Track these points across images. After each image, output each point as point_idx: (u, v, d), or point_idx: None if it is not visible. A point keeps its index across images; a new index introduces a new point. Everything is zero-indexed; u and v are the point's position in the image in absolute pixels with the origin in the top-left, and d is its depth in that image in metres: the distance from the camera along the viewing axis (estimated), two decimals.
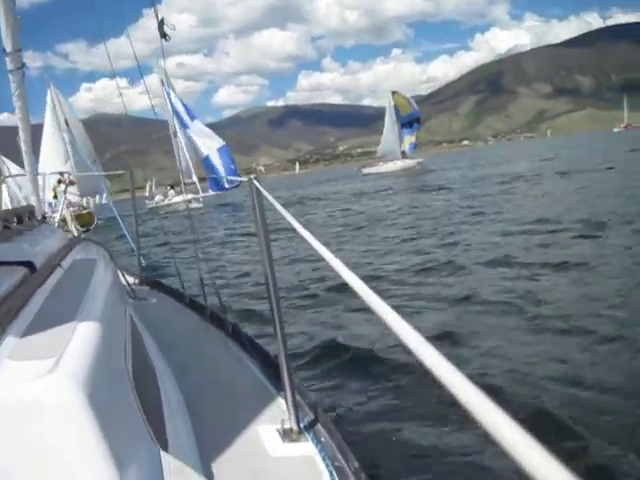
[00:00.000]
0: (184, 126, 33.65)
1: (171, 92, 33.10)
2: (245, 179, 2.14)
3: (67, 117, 33.38)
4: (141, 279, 5.04)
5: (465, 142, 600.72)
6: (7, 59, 4.42)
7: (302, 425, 2.09)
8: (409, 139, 65.10)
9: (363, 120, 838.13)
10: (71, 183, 8.90)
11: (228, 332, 3.25)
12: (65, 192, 7.55)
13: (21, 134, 4.83)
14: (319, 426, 2.10)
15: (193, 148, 32.98)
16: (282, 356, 2.09)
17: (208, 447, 1.90)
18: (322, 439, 2.01)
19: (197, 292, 4.36)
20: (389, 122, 67.05)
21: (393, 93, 66.63)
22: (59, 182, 8.16)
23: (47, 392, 1.03)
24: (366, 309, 0.73)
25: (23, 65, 4.50)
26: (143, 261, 5.47)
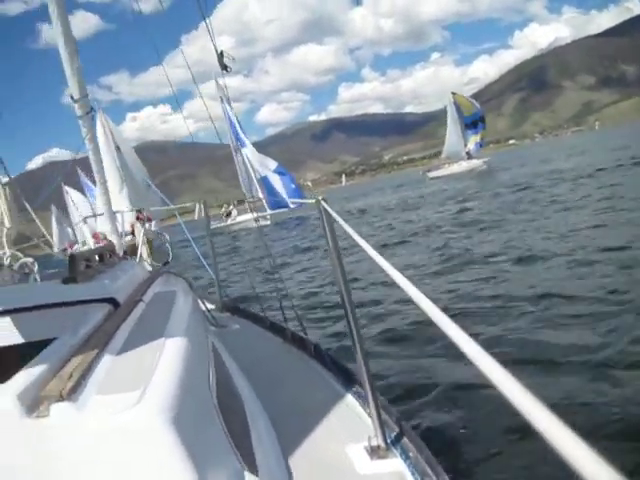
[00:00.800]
0: (241, 144, 32.53)
1: (228, 109, 32.60)
2: (312, 201, 2.14)
3: (118, 143, 32.88)
4: (222, 306, 5.11)
5: (511, 141, 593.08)
6: (76, 106, 4.48)
7: (389, 441, 2.04)
8: (474, 139, 63.04)
9: (406, 127, 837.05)
10: (149, 220, 8.66)
11: (310, 352, 3.23)
12: (143, 228, 7.44)
13: (96, 176, 4.90)
14: (406, 441, 2.05)
15: (251, 167, 31.57)
16: (364, 373, 2.05)
17: (296, 468, 1.90)
18: (410, 454, 1.97)
19: (277, 314, 4.40)
20: (451, 123, 65.30)
21: (453, 94, 64.92)
22: (138, 218, 8.09)
23: (135, 423, 1.06)
24: (450, 343, 0.69)
25: (92, 109, 4.59)
26: (223, 288, 5.56)
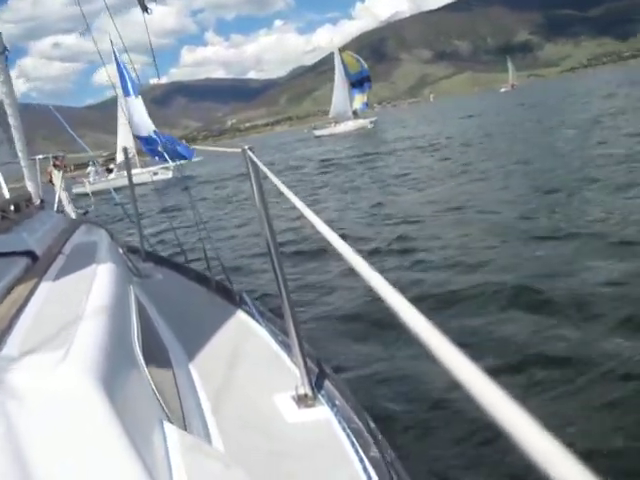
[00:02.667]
0: (127, 94, 31.44)
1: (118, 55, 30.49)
2: (238, 150, 2.13)
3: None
4: (145, 256, 4.93)
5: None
6: None
7: (316, 390, 2.11)
8: (360, 98, 64.11)
9: (249, 94, 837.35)
10: (65, 167, 8.80)
11: (235, 302, 3.27)
12: (62, 175, 7.42)
13: (10, 120, 4.74)
14: (333, 390, 2.13)
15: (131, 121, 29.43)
16: (291, 322, 2.12)
17: (224, 419, 1.95)
18: (337, 402, 2.05)
19: (202, 265, 4.34)
20: (339, 82, 65.62)
21: (340, 51, 65.87)
22: (55, 166, 8.07)
23: (60, 382, 1.05)
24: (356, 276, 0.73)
25: (5, 49, 4.49)
26: (145, 238, 5.32)
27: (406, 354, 4.25)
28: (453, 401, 3.47)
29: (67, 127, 7.51)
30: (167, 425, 1.32)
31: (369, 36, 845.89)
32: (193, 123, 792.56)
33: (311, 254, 8.11)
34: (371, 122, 59.07)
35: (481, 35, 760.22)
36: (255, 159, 2.02)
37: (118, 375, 1.20)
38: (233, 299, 3.34)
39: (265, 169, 1.92)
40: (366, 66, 66.16)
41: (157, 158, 23.12)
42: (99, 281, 1.73)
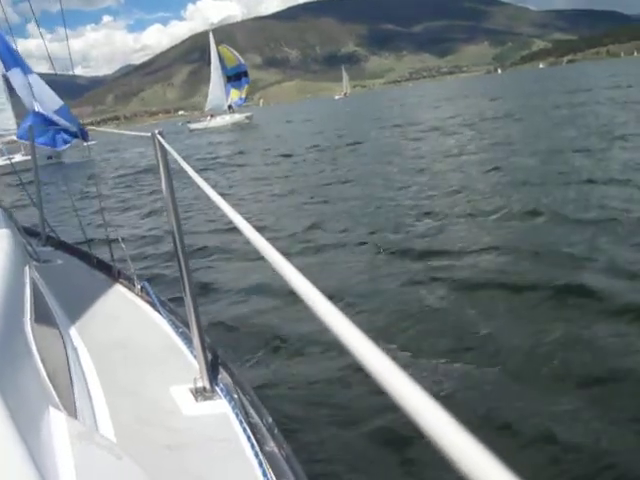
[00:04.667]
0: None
1: None
2: (148, 134, 2.10)
3: None
4: (45, 240, 4.82)
5: (181, 112, 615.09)
6: None
7: (215, 383, 2.15)
8: (236, 93, 62.75)
9: (76, 91, 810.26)
10: None
11: (137, 292, 3.26)
12: None
13: None
14: (232, 384, 2.17)
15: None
16: (192, 314, 2.14)
17: (119, 409, 1.93)
18: (235, 396, 2.08)
19: (105, 253, 4.24)
20: (215, 75, 64.10)
21: (217, 45, 64.81)
22: None
23: None
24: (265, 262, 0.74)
25: None
26: (46, 221, 5.04)
27: (308, 352, 4.39)
28: (354, 399, 3.60)
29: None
30: (55, 412, 1.30)
31: (200, 38, 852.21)
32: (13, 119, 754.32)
33: (218, 246, 8.04)
34: (247, 117, 59.35)
35: (310, 44, 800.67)
36: (165, 144, 2.01)
37: (5, 358, 1.21)
38: (135, 288, 3.31)
39: (176, 155, 1.87)
40: (243, 61, 64.99)
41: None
42: None
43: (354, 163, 15.40)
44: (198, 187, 1.33)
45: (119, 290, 3.45)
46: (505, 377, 3.70)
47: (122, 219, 11.86)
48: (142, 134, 2.34)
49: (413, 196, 9.75)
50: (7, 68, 21.23)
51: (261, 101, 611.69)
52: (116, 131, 4.99)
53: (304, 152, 20.36)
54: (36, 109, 16.89)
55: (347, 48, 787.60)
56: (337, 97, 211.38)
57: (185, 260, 2.15)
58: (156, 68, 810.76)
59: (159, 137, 2.04)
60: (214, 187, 1.23)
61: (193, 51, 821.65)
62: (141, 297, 3.23)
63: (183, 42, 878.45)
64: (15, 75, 19.62)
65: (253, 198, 12.29)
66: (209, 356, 2.19)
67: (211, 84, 65.16)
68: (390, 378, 0.39)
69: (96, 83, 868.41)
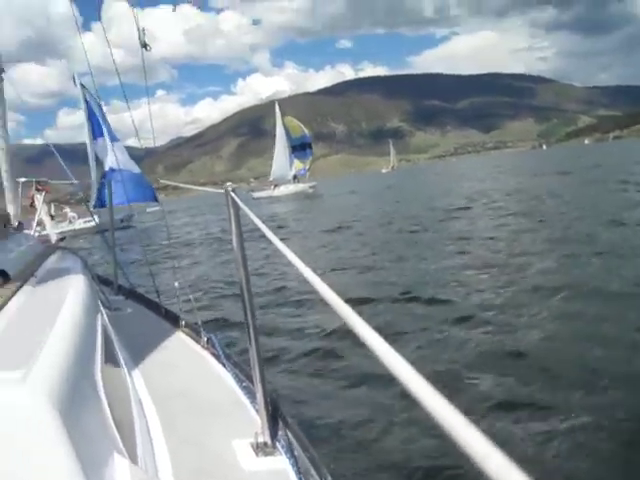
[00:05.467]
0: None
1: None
2: (221, 191, 2.17)
3: None
4: (117, 289, 5.16)
5: (228, 184, 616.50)
6: None
7: (276, 439, 2.16)
8: (299, 164, 65.05)
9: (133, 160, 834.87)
10: (48, 192, 9.68)
11: (203, 344, 3.37)
12: (42, 199, 7.42)
13: (0, 141, 4.99)
14: (293, 440, 2.17)
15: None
16: (256, 369, 2.15)
17: (180, 460, 1.99)
18: (295, 453, 2.09)
19: (173, 303, 4.44)
20: (280, 146, 66.89)
21: (283, 116, 67.43)
22: (37, 190, 8.10)
23: (17, 402, 1.07)
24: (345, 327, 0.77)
25: (2, 70, 4.63)
26: (120, 271, 5.48)
27: (372, 410, 4.41)
28: (414, 457, 3.62)
29: (59, 159, 7.30)
30: (119, 457, 1.35)
31: (249, 112, 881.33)
32: (66, 187, 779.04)
33: (285, 300, 8.28)
34: (311, 187, 59.85)
35: (356, 119, 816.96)
36: (237, 200, 2.05)
37: (76, 402, 1.24)
38: (201, 340, 3.41)
39: (248, 210, 1.91)
40: (308, 133, 67.22)
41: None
42: (67, 307, 1.74)
43: (421, 236, 15.18)
44: (270, 242, 1.40)
45: (185, 341, 3.57)
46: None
47: (192, 272, 12.43)
48: (215, 190, 2.42)
49: (464, 265, 10.05)
50: (95, 136, 25.84)
51: (307, 174, 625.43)
52: (191, 186, 5.32)
53: (372, 223, 20.38)
54: (121, 167, 18.19)
55: (392, 123, 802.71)
56: (384, 171, 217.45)
57: (252, 315, 2.17)
58: (205, 140, 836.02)
59: (232, 194, 2.10)
60: (284, 242, 1.28)
61: (242, 125, 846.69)
62: (206, 349, 3.33)
63: (232, 116, 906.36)
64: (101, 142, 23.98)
65: (326, 267, 11.74)
66: (271, 411, 2.21)
67: (275, 153, 68.59)
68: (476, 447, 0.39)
69: (150, 154, 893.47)
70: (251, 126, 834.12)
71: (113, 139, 16.05)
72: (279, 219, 27.78)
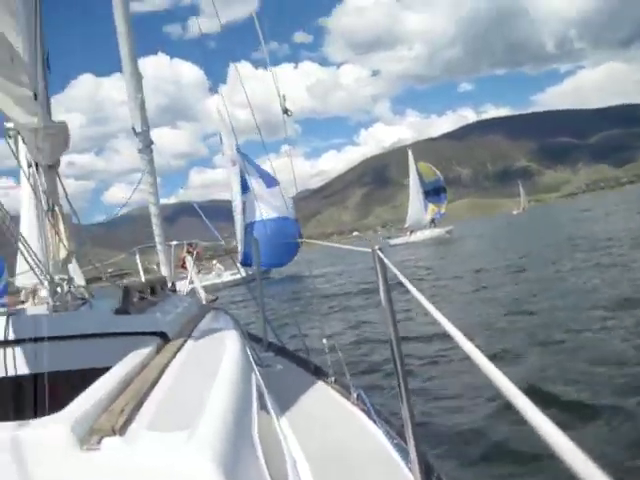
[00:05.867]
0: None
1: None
2: (368, 250, 2.20)
3: None
4: (266, 345, 5.29)
5: (355, 233, 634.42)
6: (138, 139, 5.19)
7: None
8: (433, 208, 64.23)
9: None
10: (198, 254, 9.20)
11: (353, 400, 3.37)
12: (194, 261, 7.89)
13: (151, 208, 5.50)
14: None
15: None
16: (409, 426, 2.09)
17: None
18: None
19: (322, 359, 4.45)
20: (414, 191, 66.55)
21: (416, 161, 66.67)
22: (188, 252, 8.53)
23: (183, 463, 1.13)
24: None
25: (152, 143, 5.20)
26: (269, 328, 5.62)
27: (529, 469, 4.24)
28: None
29: (204, 218, 7.62)
30: None
31: (373, 161, 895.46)
32: (200, 242, 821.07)
33: (435, 356, 8.10)
34: (447, 231, 59.07)
35: (481, 162, 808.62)
36: (385, 259, 2.06)
37: (238, 462, 1.29)
38: (350, 396, 3.42)
39: (395, 270, 1.91)
40: (441, 177, 66.60)
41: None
42: (224, 368, 1.83)
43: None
44: (415, 298, 1.40)
45: (335, 397, 3.59)
46: None
47: (340, 328, 12.15)
48: (361, 249, 2.52)
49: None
50: (243, 191, 23.54)
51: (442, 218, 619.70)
52: (335, 245, 5.02)
53: (521, 265, 19.56)
54: (264, 217, 18.13)
55: (519, 164, 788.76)
56: (515, 212, 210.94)
57: (402, 371, 2.14)
58: (331, 191, 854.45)
59: (379, 252, 2.12)
60: (430, 299, 1.29)
61: (366, 174, 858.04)
62: (356, 405, 3.32)
63: (356, 166, 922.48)
64: (248, 196, 21.43)
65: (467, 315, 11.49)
66: (425, 470, 2.16)
67: (410, 200, 67.49)
68: None
69: None
70: (375, 175, 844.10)
71: (270, 184, 17.49)
72: (421, 266, 27.31)
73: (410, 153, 67.50)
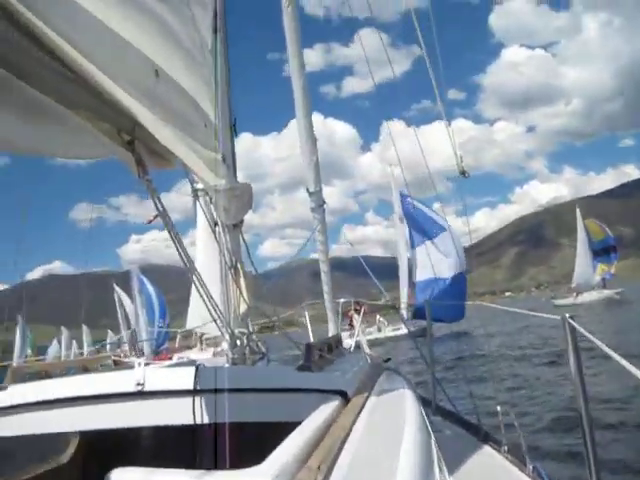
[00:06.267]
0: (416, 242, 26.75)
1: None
2: (558, 317, 2.15)
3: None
4: (434, 408, 5.04)
5: (507, 293, 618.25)
6: (310, 198, 5.30)
7: None
8: (603, 268, 61.18)
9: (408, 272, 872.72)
10: (365, 312, 9.06)
11: (528, 473, 3.21)
12: (360, 318, 7.70)
13: (322, 265, 5.64)
14: None
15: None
16: None
17: None
18: None
19: (494, 424, 4.23)
20: (582, 250, 63.62)
21: (584, 219, 64.29)
22: (355, 310, 8.52)
23: None
24: None
25: (324, 203, 5.29)
26: (439, 390, 5.38)
27: None
28: None
29: (371, 275, 7.62)
30: None
31: (527, 220, 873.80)
32: (347, 298, 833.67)
33: (626, 423, 7.43)
34: (617, 293, 54.69)
35: None
36: (578, 327, 2.01)
37: None
38: (525, 468, 3.25)
39: (595, 339, 1.83)
40: (612, 235, 64.23)
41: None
42: (408, 433, 1.80)
43: None
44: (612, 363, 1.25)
45: (508, 468, 3.39)
46: None
47: (516, 393, 11.32)
48: (551, 316, 2.43)
49: None
50: (413, 246, 25.63)
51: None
52: (519, 311, 4.99)
53: None
54: (436, 273, 20.03)
55: None
56: None
57: (593, 449, 2.04)
58: (484, 250, 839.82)
59: (570, 320, 2.07)
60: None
61: (520, 233, 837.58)
62: (532, 478, 3.15)
63: (510, 224, 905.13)
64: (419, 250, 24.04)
65: None
66: None
67: (577, 259, 63.78)
68: None
69: None
70: (529, 234, 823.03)
71: (439, 231, 20.62)
72: (598, 330, 23.21)
73: (578, 210, 64.86)
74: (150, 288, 34.87)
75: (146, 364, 2.82)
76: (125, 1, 2.04)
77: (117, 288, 38.77)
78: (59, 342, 50.22)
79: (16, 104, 1.66)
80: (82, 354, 30.14)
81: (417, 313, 20.28)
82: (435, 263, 21.38)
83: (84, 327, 56.12)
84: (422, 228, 25.13)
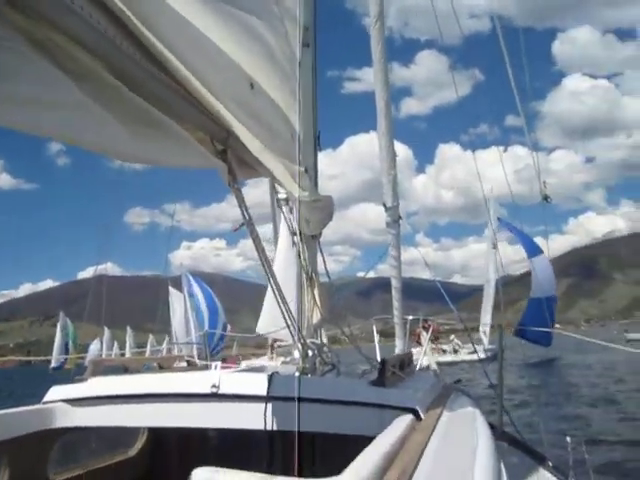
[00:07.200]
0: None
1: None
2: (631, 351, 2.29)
3: None
4: (500, 434, 4.74)
5: (557, 326, 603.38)
6: (386, 213, 5.39)
7: None
8: None
9: (452, 297, 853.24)
10: (434, 330, 9.61)
11: None
12: (429, 337, 7.65)
13: (393, 281, 5.69)
14: None
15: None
16: None
17: None
18: None
19: (561, 456, 4.13)
20: None
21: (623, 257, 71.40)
22: (424, 328, 8.51)
23: None
24: None
25: (400, 218, 5.38)
26: (505, 413, 5.20)
27: None
28: None
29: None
30: None
31: (581, 252, 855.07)
32: (391, 319, 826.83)
33: None
34: None
35: None
36: None
37: None
38: None
39: None
40: None
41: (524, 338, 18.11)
42: (482, 453, 1.79)
43: None
44: None
45: None
46: None
47: (586, 425, 11.03)
48: (631, 350, 2.32)
49: None
50: (530, 255, 26.12)
51: None
52: (587, 339, 4.60)
53: None
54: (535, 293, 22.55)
55: None
56: None
57: None
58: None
59: None
60: None
61: (572, 264, 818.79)
62: None
63: (563, 255, 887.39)
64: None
65: None
66: None
67: None
68: None
69: (473, 291, 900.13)
70: (582, 266, 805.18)
71: (539, 251, 24.46)
72: None
73: None
74: (208, 289, 36.54)
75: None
76: (227, 18, 2.17)
77: (172, 289, 39.47)
78: (101, 341, 51.51)
79: (126, 114, 1.74)
80: (123, 355, 31.07)
81: (523, 332, 19.54)
82: (543, 281, 23.21)
83: (128, 329, 58.36)
84: (529, 243, 26.56)
